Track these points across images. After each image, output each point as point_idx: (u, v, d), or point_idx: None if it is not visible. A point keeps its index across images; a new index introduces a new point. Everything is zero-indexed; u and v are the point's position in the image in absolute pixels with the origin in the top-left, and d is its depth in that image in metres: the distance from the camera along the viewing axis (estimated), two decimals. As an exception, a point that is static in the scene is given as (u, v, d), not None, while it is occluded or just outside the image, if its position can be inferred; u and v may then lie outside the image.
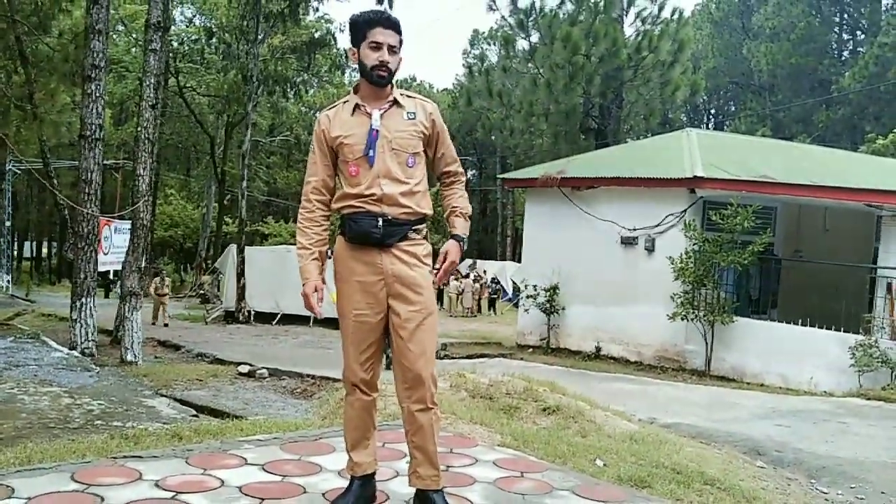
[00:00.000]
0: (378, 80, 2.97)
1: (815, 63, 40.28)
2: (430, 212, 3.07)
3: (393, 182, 2.96)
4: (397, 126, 3.00)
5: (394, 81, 3.06)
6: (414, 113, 3.05)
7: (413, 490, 3.09)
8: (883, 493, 5.78)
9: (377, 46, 2.95)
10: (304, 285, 3.03)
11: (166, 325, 19.86)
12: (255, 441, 4.12)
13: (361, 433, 3.08)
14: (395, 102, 3.04)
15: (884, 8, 41.50)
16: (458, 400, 6.30)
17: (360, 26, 2.98)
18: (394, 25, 2.98)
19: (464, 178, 3.27)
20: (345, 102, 3.08)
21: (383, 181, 2.95)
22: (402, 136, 2.99)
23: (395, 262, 2.96)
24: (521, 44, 26.57)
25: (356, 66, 3.05)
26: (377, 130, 2.96)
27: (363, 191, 2.96)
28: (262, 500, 3.14)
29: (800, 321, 12.48)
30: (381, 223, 2.93)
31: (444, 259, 3.06)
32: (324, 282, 3.09)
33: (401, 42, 3.01)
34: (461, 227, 3.13)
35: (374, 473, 3.14)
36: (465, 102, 34.82)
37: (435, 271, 3.05)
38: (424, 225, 3.08)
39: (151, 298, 20.75)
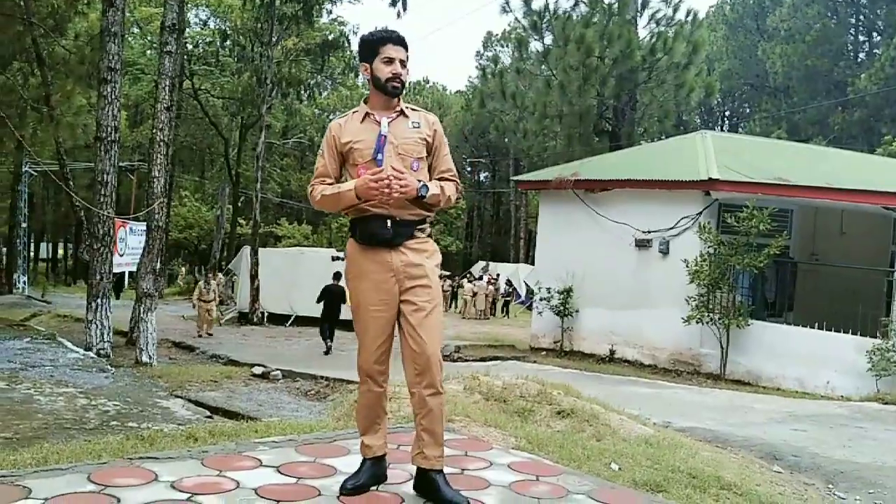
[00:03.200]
0: (393, 91, 3.22)
1: (830, 65, 39.99)
2: (431, 214, 3.31)
3: None
4: (403, 133, 3.24)
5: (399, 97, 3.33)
6: (418, 122, 3.30)
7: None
8: (902, 498, 5.72)
9: (390, 61, 3.21)
10: (357, 189, 3.09)
11: (210, 334, 18.33)
12: (270, 443, 4.11)
13: (372, 420, 3.33)
14: (402, 112, 3.29)
15: (900, 9, 41.14)
16: (472, 402, 6.29)
17: (372, 44, 3.24)
18: (402, 42, 3.25)
19: (457, 184, 3.40)
20: (354, 112, 3.34)
21: None
22: (408, 142, 3.23)
23: (404, 259, 3.18)
24: (535, 46, 26.50)
25: (368, 79, 3.30)
26: (385, 136, 3.20)
27: None
28: (278, 501, 3.13)
29: (816, 325, 12.39)
30: (389, 224, 3.16)
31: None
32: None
33: (408, 57, 3.27)
34: (432, 185, 3.21)
35: (384, 455, 3.36)
36: (478, 104, 34.78)
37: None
38: (427, 224, 3.30)
39: (195, 305, 19.14)
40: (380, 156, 3.17)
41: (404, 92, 3.31)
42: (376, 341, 3.22)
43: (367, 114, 3.27)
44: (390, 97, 3.25)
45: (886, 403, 10.21)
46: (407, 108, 3.31)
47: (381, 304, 3.19)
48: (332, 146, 3.28)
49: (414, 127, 3.27)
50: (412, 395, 3.22)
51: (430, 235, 3.31)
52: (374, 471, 3.32)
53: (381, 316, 3.20)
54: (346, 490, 3.24)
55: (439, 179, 3.32)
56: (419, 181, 3.15)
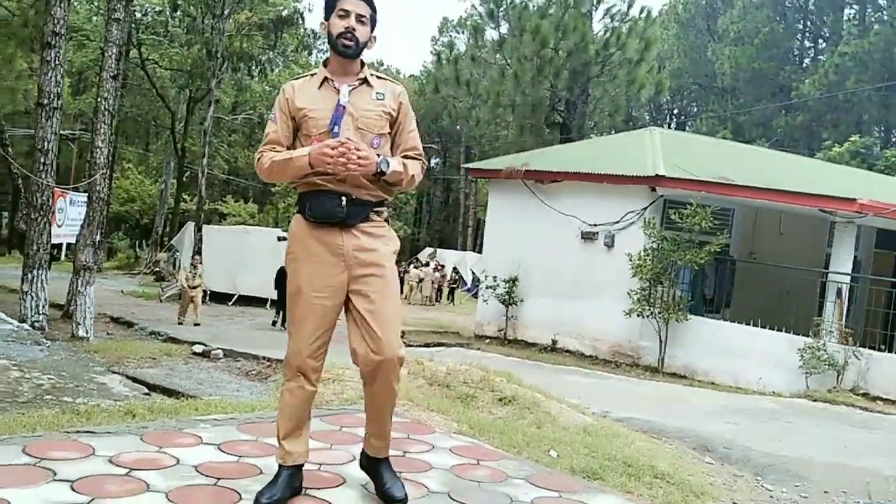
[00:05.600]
0: (344, 50, 2.87)
1: (776, 69, 40.97)
2: (390, 196, 2.99)
3: None
4: (365, 105, 2.90)
5: (365, 62, 2.98)
6: (383, 94, 2.95)
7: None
8: (826, 491, 5.95)
9: (345, 14, 2.86)
10: (311, 156, 2.75)
11: (197, 324, 16.32)
12: (211, 421, 4.07)
13: (297, 423, 2.93)
14: (365, 81, 2.94)
15: (845, 17, 42.34)
16: (415, 387, 6.32)
17: None
18: None
19: (423, 164, 3.09)
20: (312, 75, 2.99)
21: None
22: (369, 115, 2.90)
23: (356, 243, 2.86)
24: (491, 34, 26.60)
25: (327, 38, 2.94)
26: (344, 107, 2.86)
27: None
28: (218, 479, 3.10)
29: (751, 322, 12.73)
30: (344, 202, 2.83)
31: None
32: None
33: (373, 16, 2.93)
34: (394, 161, 2.91)
35: (303, 464, 3.00)
36: (432, 90, 34.55)
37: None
38: (385, 208, 3.00)
39: (181, 290, 17.57)
40: (336, 128, 2.82)
41: (363, 55, 2.93)
42: (315, 333, 2.86)
43: (325, 78, 2.91)
44: (343, 58, 2.89)
45: (815, 400, 10.58)
46: (372, 75, 2.96)
47: (325, 291, 2.84)
48: (285, 111, 2.91)
49: (378, 98, 2.92)
50: (364, 386, 2.95)
51: (387, 220, 3.01)
52: (291, 482, 2.91)
53: (323, 304, 2.84)
54: None
55: (403, 157, 2.99)
56: (379, 156, 2.83)
